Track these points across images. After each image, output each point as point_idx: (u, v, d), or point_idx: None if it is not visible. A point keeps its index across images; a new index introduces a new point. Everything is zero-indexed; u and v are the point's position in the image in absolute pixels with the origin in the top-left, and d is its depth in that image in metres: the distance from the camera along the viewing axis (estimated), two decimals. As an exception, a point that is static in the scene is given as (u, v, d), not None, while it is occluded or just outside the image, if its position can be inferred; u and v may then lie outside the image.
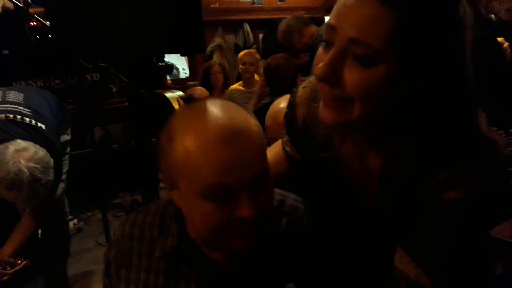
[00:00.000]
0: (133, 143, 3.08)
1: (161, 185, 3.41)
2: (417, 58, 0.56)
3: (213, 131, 0.61)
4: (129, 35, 1.31)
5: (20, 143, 1.54)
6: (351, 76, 0.57)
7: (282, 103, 1.31)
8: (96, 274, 2.52)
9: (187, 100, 2.94)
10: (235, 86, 3.46)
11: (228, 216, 0.62)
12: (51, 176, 1.57)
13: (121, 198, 3.48)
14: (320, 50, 0.63)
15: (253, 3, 4.57)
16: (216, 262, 0.73)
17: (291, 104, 0.84)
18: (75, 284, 2.39)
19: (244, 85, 3.42)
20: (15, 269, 1.51)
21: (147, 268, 0.77)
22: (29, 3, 2.67)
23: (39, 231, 2.07)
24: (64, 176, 2.02)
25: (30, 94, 1.90)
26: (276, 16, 4.69)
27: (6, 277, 1.48)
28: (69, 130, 2.11)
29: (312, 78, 0.81)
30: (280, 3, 4.72)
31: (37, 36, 2.88)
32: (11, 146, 1.51)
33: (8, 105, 1.75)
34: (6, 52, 3.17)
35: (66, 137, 2.05)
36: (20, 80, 3.17)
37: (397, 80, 0.57)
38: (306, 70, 2.76)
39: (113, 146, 2.97)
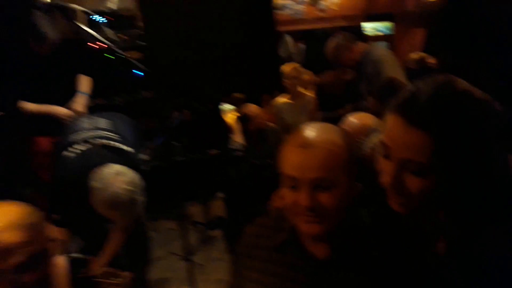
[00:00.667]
0: (194, 155, 3.30)
1: (218, 195, 3.62)
2: (454, 165, 0.72)
3: (298, 138, 0.89)
4: (216, 74, 1.46)
5: (117, 167, 1.72)
6: (412, 184, 0.75)
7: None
8: (170, 280, 2.74)
9: (243, 119, 3.09)
10: (281, 99, 3.59)
11: (294, 201, 0.87)
12: (143, 196, 1.75)
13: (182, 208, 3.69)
14: (381, 158, 0.80)
15: (293, 14, 4.70)
16: (314, 255, 0.94)
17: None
18: (153, 289, 2.60)
19: (290, 98, 3.55)
20: (121, 280, 1.68)
21: (265, 259, 0.99)
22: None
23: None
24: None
25: (116, 120, 2.10)
26: (317, 26, 4.82)
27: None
28: (144, 149, 2.31)
29: None
30: (320, 13, 4.83)
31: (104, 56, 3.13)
32: (109, 170, 1.70)
33: (100, 132, 1.95)
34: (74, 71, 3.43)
35: (143, 156, 2.25)
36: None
37: (443, 181, 0.73)
38: (353, 85, 2.88)
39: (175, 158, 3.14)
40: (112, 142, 1.90)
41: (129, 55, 2.66)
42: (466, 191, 0.74)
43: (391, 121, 0.77)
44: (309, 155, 0.86)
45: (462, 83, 0.75)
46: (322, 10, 4.87)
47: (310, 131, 0.89)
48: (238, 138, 2.96)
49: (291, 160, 0.88)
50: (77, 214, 1.82)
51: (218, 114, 3.57)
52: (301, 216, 0.88)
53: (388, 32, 5.51)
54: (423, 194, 0.75)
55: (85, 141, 1.91)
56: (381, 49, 3.06)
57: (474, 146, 0.71)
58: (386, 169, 0.79)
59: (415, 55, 3.20)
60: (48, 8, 1.97)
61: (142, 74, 3.44)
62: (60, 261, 1.36)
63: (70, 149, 1.89)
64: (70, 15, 2.02)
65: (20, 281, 1.02)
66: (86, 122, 2.07)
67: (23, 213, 1.06)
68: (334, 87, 2.62)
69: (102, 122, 2.06)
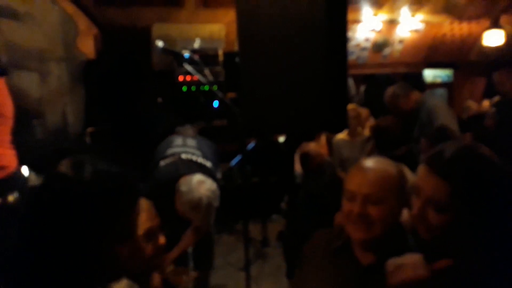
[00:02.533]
0: (259, 178, 3.68)
1: (274, 217, 3.97)
2: (470, 206, 0.92)
3: (361, 163, 1.20)
4: (296, 110, 1.62)
5: (200, 177, 2.15)
6: (433, 218, 0.96)
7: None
8: (227, 287, 3.09)
9: (303, 157, 3.40)
10: (340, 135, 3.92)
11: (350, 210, 1.13)
12: (218, 203, 2.16)
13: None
14: (412, 196, 1.02)
15: (357, 59, 5.02)
16: (361, 261, 1.17)
17: None
18: (213, 293, 2.97)
19: (348, 135, 3.87)
20: (187, 278, 2.03)
21: (323, 259, 1.25)
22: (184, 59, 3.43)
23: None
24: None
25: (201, 141, 2.56)
26: (378, 71, 5.10)
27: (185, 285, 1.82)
28: (219, 169, 2.73)
29: None
30: (382, 59, 5.10)
31: (190, 88, 3.66)
32: (194, 178, 2.12)
33: (187, 149, 2.41)
34: (160, 100, 4.03)
35: (218, 175, 2.67)
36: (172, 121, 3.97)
37: (459, 217, 0.94)
38: (409, 130, 3.14)
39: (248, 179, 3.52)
40: (195, 157, 2.32)
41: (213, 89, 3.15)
42: (476, 229, 0.93)
43: (422, 168, 1.00)
44: (365, 175, 1.15)
45: (483, 149, 0.96)
46: (385, 57, 5.13)
47: (371, 160, 1.20)
48: (298, 168, 3.28)
49: (352, 178, 1.17)
50: (161, 213, 2.23)
51: (280, 145, 3.96)
52: (353, 222, 1.14)
53: (447, 79, 5.65)
54: (442, 227, 0.94)
55: (176, 154, 2.36)
56: (435, 98, 3.30)
57: (483, 199, 0.91)
58: (415, 204, 1.00)
59: (470, 103, 3.39)
60: (163, 50, 2.50)
61: (218, 105, 3.96)
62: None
63: (165, 159, 2.35)
64: (179, 58, 2.54)
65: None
66: (179, 140, 2.54)
67: None
68: (390, 130, 2.90)
69: (190, 141, 2.52)
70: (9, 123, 2.13)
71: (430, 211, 0.97)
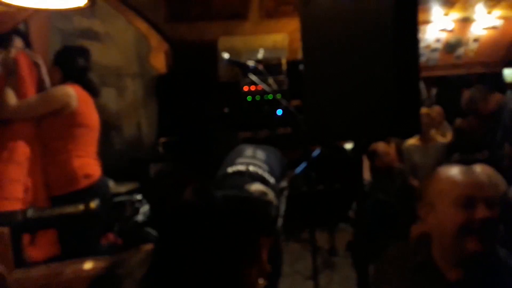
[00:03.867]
0: (320, 186, 3.64)
1: (341, 226, 3.89)
2: None
3: (466, 168, 1.10)
4: (363, 117, 1.52)
5: (259, 185, 2.15)
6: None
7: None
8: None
9: (371, 154, 3.34)
10: (411, 141, 3.75)
11: (468, 218, 1.01)
12: (273, 212, 2.12)
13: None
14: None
15: (427, 61, 4.79)
16: (448, 278, 1.08)
17: None
18: (279, 302, 2.96)
19: (420, 140, 3.69)
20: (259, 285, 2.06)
21: (402, 277, 1.16)
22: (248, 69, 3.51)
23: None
24: (282, 213, 2.63)
25: (269, 153, 2.58)
26: (451, 73, 4.82)
27: None
28: (286, 177, 2.74)
29: None
30: (456, 60, 4.82)
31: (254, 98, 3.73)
32: (254, 185, 2.13)
33: (256, 161, 2.43)
34: (226, 110, 4.16)
35: (284, 184, 2.68)
36: (235, 132, 4.07)
37: None
38: (491, 132, 2.93)
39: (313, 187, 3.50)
40: (261, 171, 2.34)
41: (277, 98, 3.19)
42: None
43: None
44: (483, 176, 1.06)
45: None
46: (458, 57, 4.85)
47: (476, 165, 1.12)
48: (366, 175, 3.20)
49: (464, 182, 1.05)
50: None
51: (347, 151, 3.88)
52: (475, 233, 1.01)
53: (531, 78, 5.19)
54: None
55: (245, 165, 2.40)
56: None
57: None
58: None
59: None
60: (229, 62, 2.58)
61: (281, 113, 3.98)
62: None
63: (233, 167, 2.37)
64: (244, 68, 2.61)
65: None
66: (249, 151, 2.59)
67: None
68: (472, 131, 2.72)
69: (260, 153, 2.54)
70: (95, 135, 2.33)
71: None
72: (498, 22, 4.59)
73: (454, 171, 1.10)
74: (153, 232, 2.65)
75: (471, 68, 4.87)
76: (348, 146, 3.87)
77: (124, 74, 3.63)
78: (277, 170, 2.51)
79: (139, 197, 3.00)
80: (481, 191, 1.03)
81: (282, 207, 2.65)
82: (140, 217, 2.92)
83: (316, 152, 3.01)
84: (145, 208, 2.95)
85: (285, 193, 2.74)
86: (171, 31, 3.86)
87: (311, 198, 3.00)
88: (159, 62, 3.83)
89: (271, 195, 2.16)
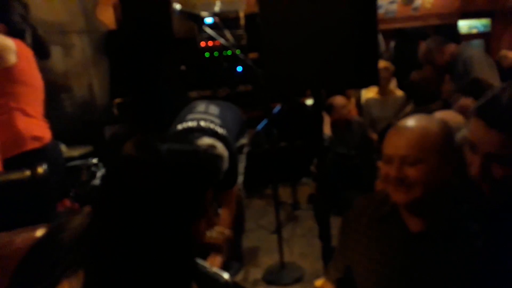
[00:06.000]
0: (285, 143, 3.64)
1: (304, 180, 3.95)
2: None
3: (399, 124, 1.10)
4: (320, 69, 1.57)
5: (208, 139, 2.07)
6: (497, 173, 0.90)
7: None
8: (259, 250, 3.12)
9: (328, 108, 3.35)
10: (370, 94, 3.79)
11: (386, 173, 1.06)
12: (224, 166, 2.05)
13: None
14: (469, 152, 0.97)
15: (386, 13, 4.78)
16: (410, 228, 1.10)
17: None
18: (246, 256, 3.00)
19: (379, 93, 3.73)
20: (221, 236, 2.03)
21: (369, 226, 1.19)
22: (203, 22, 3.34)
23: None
24: (242, 170, 2.61)
25: (225, 108, 2.50)
26: (409, 25, 4.84)
27: None
28: (246, 135, 2.69)
29: None
30: (413, 12, 4.84)
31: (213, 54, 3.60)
32: (202, 139, 2.04)
33: (208, 116, 2.33)
34: (183, 67, 3.99)
35: (243, 141, 2.63)
36: (193, 90, 3.94)
37: None
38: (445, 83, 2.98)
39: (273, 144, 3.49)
40: (212, 125, 2.23)
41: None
42: None
43: (475, 122, 0.91)
44: (401, 137, 1.06)
45: None
46: (415, 9, 4.86)
47: (411, 119, 1.09)
48: (327, 130, 3.22)
49: (389, 141, 1.09)
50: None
51: (307, 107, 3.88)
52: (392, 186, 1.06)
53: (484, 29, 5.31)
54: (508, 180, 0.88)
55: (195, 120, 2.27)
56: (472, 49, 3.10)
57: None
58: (473, 162, 0.92)
59: (506, 53, 3.16)
60: (181, 13, 2.43)
61: (241, 70, 3.88)
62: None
63: (183, 124, 2.27)
64: (198, 20, 2.46)
65: None
66: (201, 106, 2.49)
67: None
68: (426, 83, 2.75)
69: (213, 108, 2.45)
70: (40, 95, 2.16)
71: (493, 166, 0.89)
72: (454, -27, 4.60)
73: (392, 129, 1.12)
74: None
75: (428, 19, 4.90)
76: (309, 102, 3.87)
77: (69, 31, 3.36)
78: (234, 125, 2.45)
79: (95, 161, 2.88)
80: (397, 150, 1.05)
81: (242, 165, 2.63)
82: (97, 181, 2.82)
83: (277, 109, 2.98)
84: (102, 172, 2.85)
85: (245, 150, 2.70)
86: (118, -18, 3.58)
87: (274, 155, 3.00)
88: (107, 16, 3.57)
89: (221, 149, 2.09)
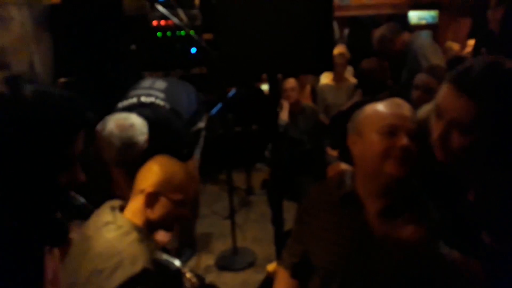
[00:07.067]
0: (241, 128, 3.60)
1: (258, 166, 3.93)
2: (492, 128, 0.89)
3: (385, 102, 1.14)
4: (275, 53, 1.55)
5: (134, 119, 1.89)
6: (456, 140, 0.93)
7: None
8: (212, 235, 3.12)
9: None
10: (325, 81, 3.82)
11: (390, 146, 1.05)
12: (142, 138, 1.87)
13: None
14: (434, 118, 0.98)
15: (341, 0, 4.82)
16: (368, 209, 1.13)
17: None
18: (199, 242, 2.97)
19: (334, 80, 3.77)
20: None
21: (326, 210, 1.20)
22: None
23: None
24: (198, 151, 2.54)
25: (175, 84, 2.38)
26: (363, 13, 4.93)
27: None
28: (203, 118, 2.62)
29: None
30: (367, 0, 4.92)
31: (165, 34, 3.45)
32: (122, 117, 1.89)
33: (152, 91, 2.21)
34: (133, 47, 3.80)
35: (201, 124, 2.57)
36: (144, 71, 3.77)
37: (482, 139, 0.90)
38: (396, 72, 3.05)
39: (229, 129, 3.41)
40: (153, 99, 2.12)
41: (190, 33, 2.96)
42: (499, 150, 0.90)
43: (446, 88, 0.94)
44: (401, 108, 1.10)
45: (510, 63, 0.89)
46: (369, -3, 4.95)
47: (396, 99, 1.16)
48: (284, 116, 3.20)
49: (387, 112, 1.10)
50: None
51: (263, 92, 3.85)
52: (394, 158, 1.05)
53: (432, 21, 5.53)
54: (464, 149, 0.91)
55: (136, 96, 2.17)
56: (423, 39, 3.19)
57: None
58: (436, 127, 0.96)
59: (451, 45, 3.30)
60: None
61: (195, 51, 3.77)
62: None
63: (124, 102, 2.15)
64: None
65: None
66: (147, 82, 2.36)
67: None
68: (375, 72, 2.79)
69: (159, 83, 2.32)
70: None
71: (453, 133, 0.93)
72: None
73: (381, 104, 1.14)
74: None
75: (381, 9, 5.02)
76: (265, 87, 3.84)
77: (6, 2, 3.07)
78: (187, 103, 2.36)
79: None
80: (403, 121, 1.07)
81: (199, 149, 2.57)
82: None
83: (232, 93, 2.92)
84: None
85: (203, 133, 2.64)
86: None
87: (228, 140, 2.96)
88: (49, -12, 3.31)
89: (138, 126, 1.89)
